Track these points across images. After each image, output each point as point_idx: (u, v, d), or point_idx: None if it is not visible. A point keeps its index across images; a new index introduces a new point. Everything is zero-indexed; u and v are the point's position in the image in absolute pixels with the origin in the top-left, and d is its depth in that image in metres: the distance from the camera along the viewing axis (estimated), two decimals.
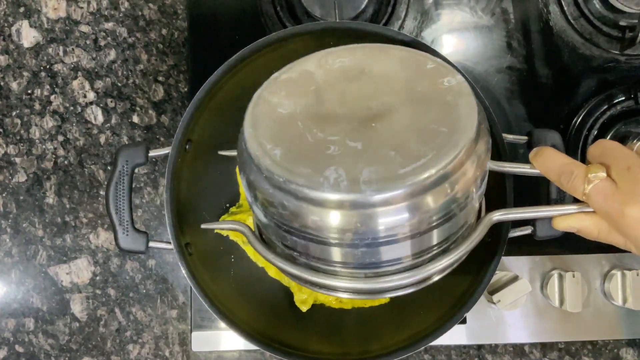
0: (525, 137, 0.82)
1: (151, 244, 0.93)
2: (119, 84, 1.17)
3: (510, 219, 0.69)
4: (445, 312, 0.94)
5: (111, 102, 1.17)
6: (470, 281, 0.88)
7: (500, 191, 0.91)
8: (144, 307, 1.11)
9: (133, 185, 1.19)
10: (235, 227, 0.75)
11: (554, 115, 0.99)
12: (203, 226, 0.79)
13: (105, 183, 1.06)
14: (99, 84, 1.16)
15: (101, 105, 1.16)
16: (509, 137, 0.83)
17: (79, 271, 1.10)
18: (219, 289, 0.90)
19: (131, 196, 0.92)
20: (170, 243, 0.91)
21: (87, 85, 1.17)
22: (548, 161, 0.59)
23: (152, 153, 0.92)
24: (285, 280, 1.05)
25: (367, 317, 0.96)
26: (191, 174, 0.92)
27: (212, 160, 1.02)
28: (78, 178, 1.10)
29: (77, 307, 1.10)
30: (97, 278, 1.11)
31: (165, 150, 0.93)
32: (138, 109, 1.23)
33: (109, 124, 1.15)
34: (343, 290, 0.66)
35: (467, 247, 0.63)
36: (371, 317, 0.96)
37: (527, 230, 0.92)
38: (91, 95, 1.17)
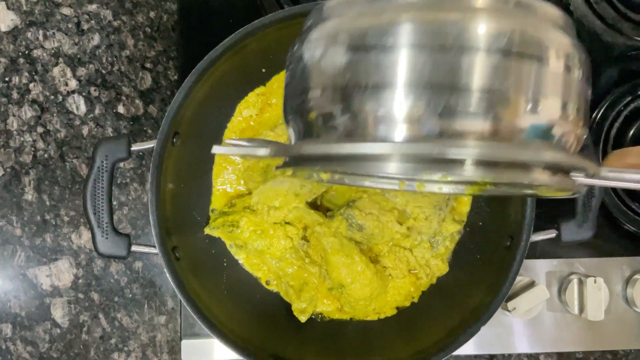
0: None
1: (134, 247, 0.85)
2: (103, 71, 1.11)
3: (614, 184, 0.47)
4: (458, 325, 0.87)
5: (95, 90, 1.11)
6: (486, 291, 0.84)
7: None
8: (130, 312, 1.05)
9: (118, 181, 1.10)
10: (260, 146, 0.52)
11: None
12: (214, 150, 0.59)
13: None
14: (81, 71, 1.11)
15: (84, 94, 1.10)
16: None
17: (60, 273, 1.04)
18: (210, 297, 0.85)
19: (111, 195, 0.84)
20: (155, 247, 0.83)
21: (68, 73, 1.11)
22: None
23: (135, 147, 0.84)
24: (282, 289, 0.97)
25: (369, 330, 0.92)
26: (179, 170, 0.87)
27: (202, 155, 0.96)
28: (59, 173, 1.02)
29: (58, 312, 1.04)
30: (80, 281, 1.06)
31: (150, 144, 0.85)
32: (124, 98, 1.16)
33: (92, 115, 1.09)
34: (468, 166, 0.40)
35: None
36: (374, 329, 0.92)
37: (551, 234, 0.85)
38: (73, 84, 1.11)
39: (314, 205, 0.97)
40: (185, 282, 0.81)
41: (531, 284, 0.97)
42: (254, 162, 0.98)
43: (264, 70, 0.98)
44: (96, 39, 1.12)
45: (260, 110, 1.00)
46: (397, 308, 0.94)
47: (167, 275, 0.85)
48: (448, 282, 0.95)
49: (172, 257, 0.81)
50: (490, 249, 0.89)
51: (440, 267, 0.98)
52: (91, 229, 0.82)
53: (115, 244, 0.83)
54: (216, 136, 0.98)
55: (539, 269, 1.05)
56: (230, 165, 1.00)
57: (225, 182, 1.00)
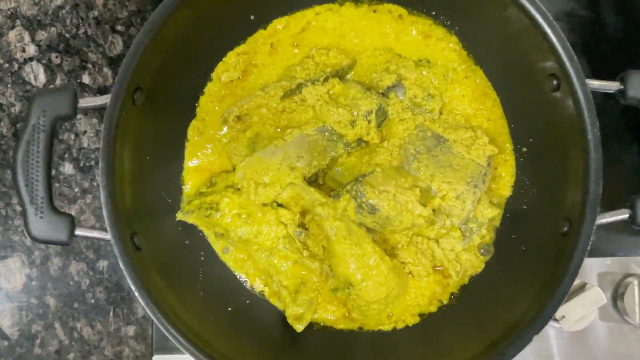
0: (616, 83, 0.68)
1: (79, 231, 0.66)
2: (67, 35, 0.98)
3: None
4: (499, 338, 0.69)
5: (56, 57, 0.97)
6: (534, 292, 0.71)
7: None
8: (92, 321, 0.91)
9: (81, 164, 0.95)
10: None
11: (621, 70, 0.75)
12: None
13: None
14: (41, 35, 0.97)
15: (43, 61, 0.97)
16: (594, 83, 0.68)
17: (10, 274, 0.91)
18: (180, 300, 0.72)
19: (50, 163, 0.66)
20: (107, 231, 0.64)
21: (26, 37, 0.98)
22: None
23: (84, 103, 0.67)
24: (274, 290, 0.77)
25: (383, 343, 0.79)
26: (143, 137, 0.75)
27: (173, 122, 0.81)
28: (12, 155, 0.84)
29: (6, 320, 0.90)
30: (33, 283, 0.92)
31: (103, 100, 0.68)
32: (90, 66, 0.99)
33: (52, 86, 0.95)
34: None
35: None
36: (390, 342, 0.79)
37: (623, 215, 0.67)
38: (31, 50, 0.97)
39: (315, 185, 0.78)
40: (147, 279, 0.68)
41: (581, 287, 0.84)
42: (239, 131, 0.79)
43: (252, 17, 0.83)
44: None
45: (243, 73, 0.84)
46: (420, 315, 0.81)
47: (122, 269, 0.65)
48: (484, 283, 0.80)
49: (130, 246, 0.66)
50: (540, 238, 0.75)
51: (474, 263, 0.78)
52: (22, 206, 0.65)
53: (53, 225, 0.65)
54: (189, 103, 0.84)
55: (589, 269, 0.88)
56: (210, 132, 0.84)
57: (203, 155, 0.81)
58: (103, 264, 0.93)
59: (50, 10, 1.00)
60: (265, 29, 0.84)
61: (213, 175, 0.82)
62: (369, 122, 0.77)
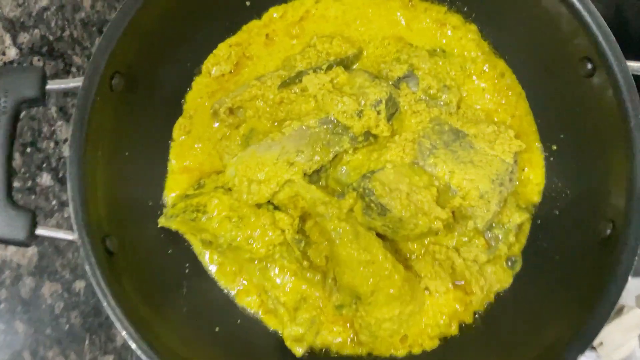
0: None
1: (40, 230, 0.57)
2: (51, 38, 0.93)
3: None
4: None
5: (38, 60, 0.92)
6: (570, 313, 0.63)
7: None
8: (65, 350, 0.83)
9: (58, 156, 0.86)
10: None
11: None
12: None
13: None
14: (23, 37, 0.92)
15: (24, 65, 0.92)
16: (635, 65, 0.61)
17: None
18: (160, 319, 0.64)
19: (11, 150, 0.58)
20: (73, 231, 0.55)
21: (7, 40, 0.92)
22: None
23: (53, 85, 0.61)
24: (269, 308, 0.67)
25: None
26: (122, 128, 0.68)
27: (158, 113, 0.73)
28: None
29: None
30: (1, 306, 0.84)
31: (75, 82, 0.61)
32: (74, 70, 0.93)
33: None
34: None
35: None
36: None
37: None
38: (12, 53, 0.92)
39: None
40: (120, 290, 0.60)
41: (619, 310, 0.75)
42: (232, 127, 0.71)
43: (247, 3, 0.76)
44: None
45: (235, 66, 0.77)
46: (440, 338, 0.72)
47: (88, 274, 0.56)
48: (513, 300, 0.71)
49: (100, 249, 0.59)
50: (576, 247, 0.67)
51: (501, 277, 0.69)
52: None
53: (10, 221, 0.56)
54: (175, 99, 0.76)
55: (627, 290, 0.78)
56: (199, 130, 0.75)
57: (190, 155, 0.74)
58: (80, 285, 0.86)
59: (34, 11, 0.95)
60: (260, 18, 0.78)
61: (202, 177, 0.73)
62: (378, 112, 0.68)
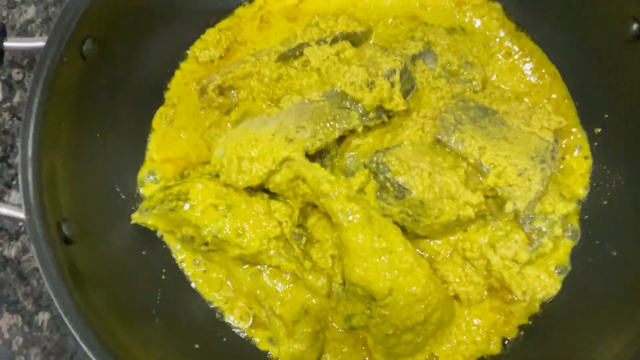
0: None
1: None
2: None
3: None
4: None
5: (18, 73, 0.85)
6: (630, 330, 0.52)
7: None
8: None
9: None
10: None
11: None
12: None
13: None
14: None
15: (2, 77, 0.85)
16: None
17: None
18: (129, 333, 0.54)
19: None
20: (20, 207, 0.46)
21: None
22: None
23: (12, 42, 0.52)
24: (262, 320, 0.56)
25: None
26: (93, 104, 0.60)
27: (138, 92, 0.65)
28: None
29: None
30: None
31: (39, 42, 0.55)
32: None
33: (9, 104, 0.83)
34: None
35: None
36: None
37: None
38: None
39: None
40: (77, 292, 0.51)
41: None
42: (221, 109, 0.61)
43: None
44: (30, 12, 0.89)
45: (226, 51, 0.70)
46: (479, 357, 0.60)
47: (35, 258, 0.45)
48: (561, 311, 0.59)
49: (54, 233, 0.52)
50: (636, 239, 0.58)
51: (547, 283, 0.55)
52: None
53: None
54: (158, 79, 0.69)
55: None
56: (183, 119, 0.67)
57: (173, 146, 0.65)
58: (43, 317, 0.76)
59: (18, 24, 0.89)
60: (251, 1, 0.72)
61: (186, 168, 0.63)
62: (392, 84, 0.58)
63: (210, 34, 0.70)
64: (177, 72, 0.70)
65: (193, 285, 0.63)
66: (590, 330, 0.56)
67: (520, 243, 0.58)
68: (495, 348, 0.58)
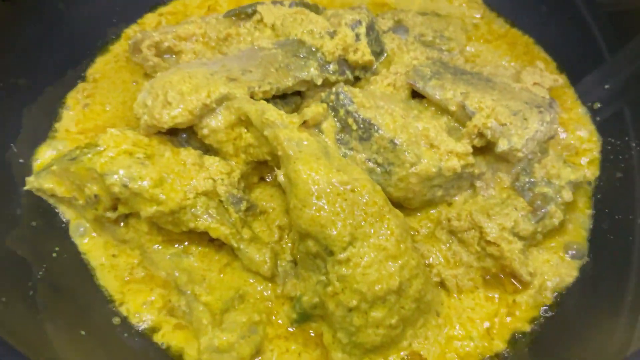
0: None
1: None
2: None
3: None
4: None
5: None
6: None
7: None
8: None
9: None
10: None
11: None
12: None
13: None
14: None
15: None
16: None
17: None
18: None
19: None
20: None
21: None
22: None
23: None
24: (179, 315, 0.42)
25: None
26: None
27: (55, 54, 0.57)
28: None
29: None
30: None
31: None
32: None
33: None
34: None
35: None
36: None
37: None
38: None
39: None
40: None
41: None
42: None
43: None
44: None
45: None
46: None
47: None
48: (578, 302, 0.46)
49: None
50: None
51: (560, 270, 0.43)
52: None
53: None
54: (81, 50, 0.60)
55: None
56: (105, 93, 0.57)
57: (96, 118, 0.53)
58: None
59: None
60: None
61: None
62: (358, 36, 0.49)
63: (149, 18, 0.62)
64: (107, 51, 0.61)
65: (90, 264, 0.47)
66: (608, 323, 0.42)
67: (521, 210, 0.45)
68: (499, 345, 0.42)
